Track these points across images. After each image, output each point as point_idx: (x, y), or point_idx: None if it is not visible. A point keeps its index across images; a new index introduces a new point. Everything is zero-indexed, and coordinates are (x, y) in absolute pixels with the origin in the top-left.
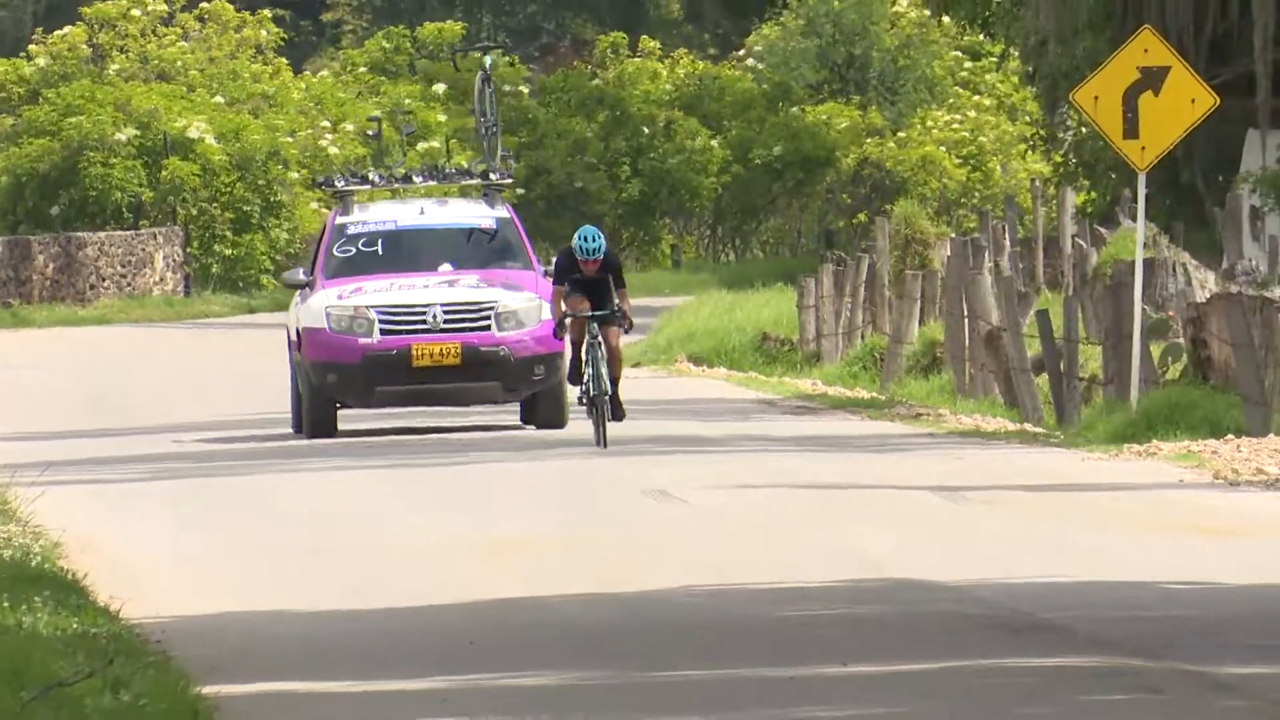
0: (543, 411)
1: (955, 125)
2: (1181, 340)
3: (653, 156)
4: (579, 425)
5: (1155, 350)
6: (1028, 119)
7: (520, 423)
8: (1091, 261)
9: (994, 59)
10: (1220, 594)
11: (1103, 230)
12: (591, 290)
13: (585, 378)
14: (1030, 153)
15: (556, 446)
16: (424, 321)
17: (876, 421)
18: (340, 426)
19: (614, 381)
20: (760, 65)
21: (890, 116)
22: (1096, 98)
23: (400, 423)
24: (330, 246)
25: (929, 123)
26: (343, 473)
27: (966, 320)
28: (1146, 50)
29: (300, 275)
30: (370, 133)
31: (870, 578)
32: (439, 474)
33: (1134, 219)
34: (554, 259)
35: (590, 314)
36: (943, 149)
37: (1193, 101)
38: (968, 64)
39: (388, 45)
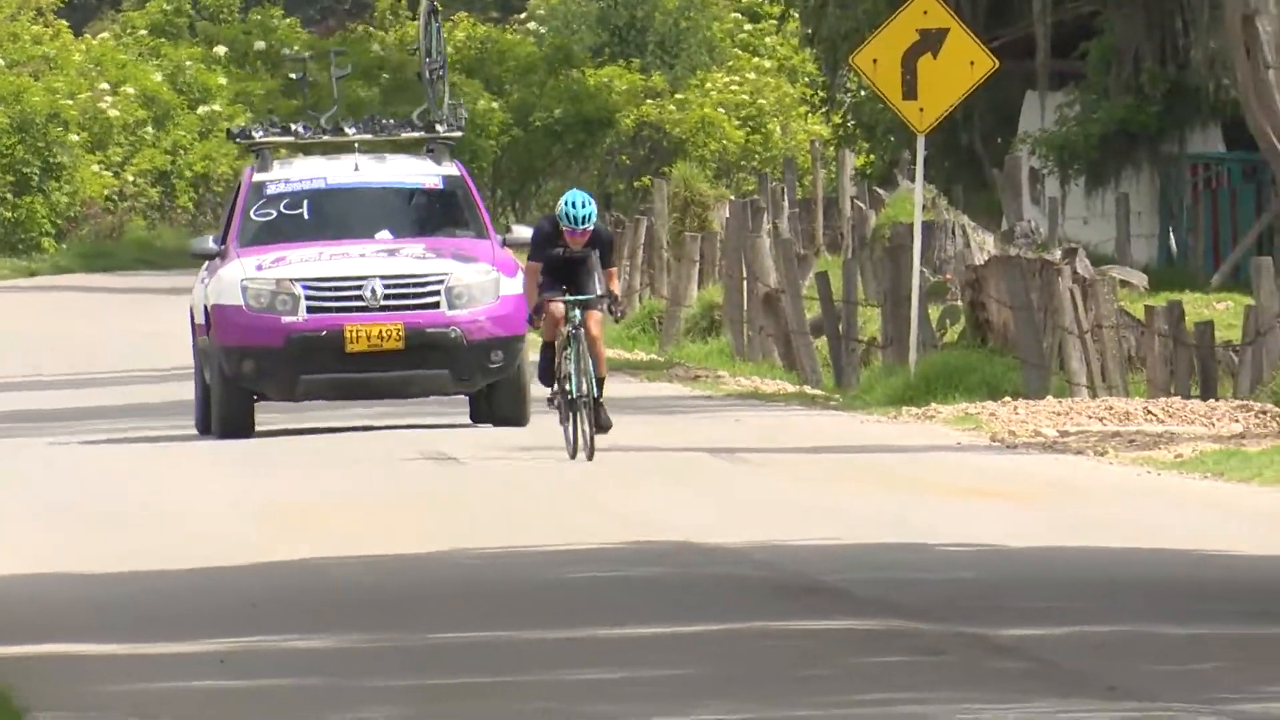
0: (500, 406)
1: (735, 87)
2: (960, 303)
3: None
4: (543, 422)
5: (934, 313)
6: (807, 81)
7: (470, 420)
8: (870, 224)
9: (774, 21)
10: (998, 556)
11: (882, 192)
12: (573, 269)
13: (561, 375)
14: (810, 115)
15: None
16: (359, 298)
17: (655, 383)
18: (258, 424)
19: (598, 382)
20: (541, 28)
21: (670, 79)
22: (875, 60)
23: (328, 420)
24: (246, 209)
25: (708, 85)
26: (146, 444)
27: (745, 282)
28: (926, 12)
29: (209, 243)
30: (295, 75)
31: (648, 540)
32: (245, 443)
33: (913, 181)
34: (532, 228)
35: (572, 298)
36: (722, 111)
37: (971, 63)
38: (747, 26)
39: (168, 7)
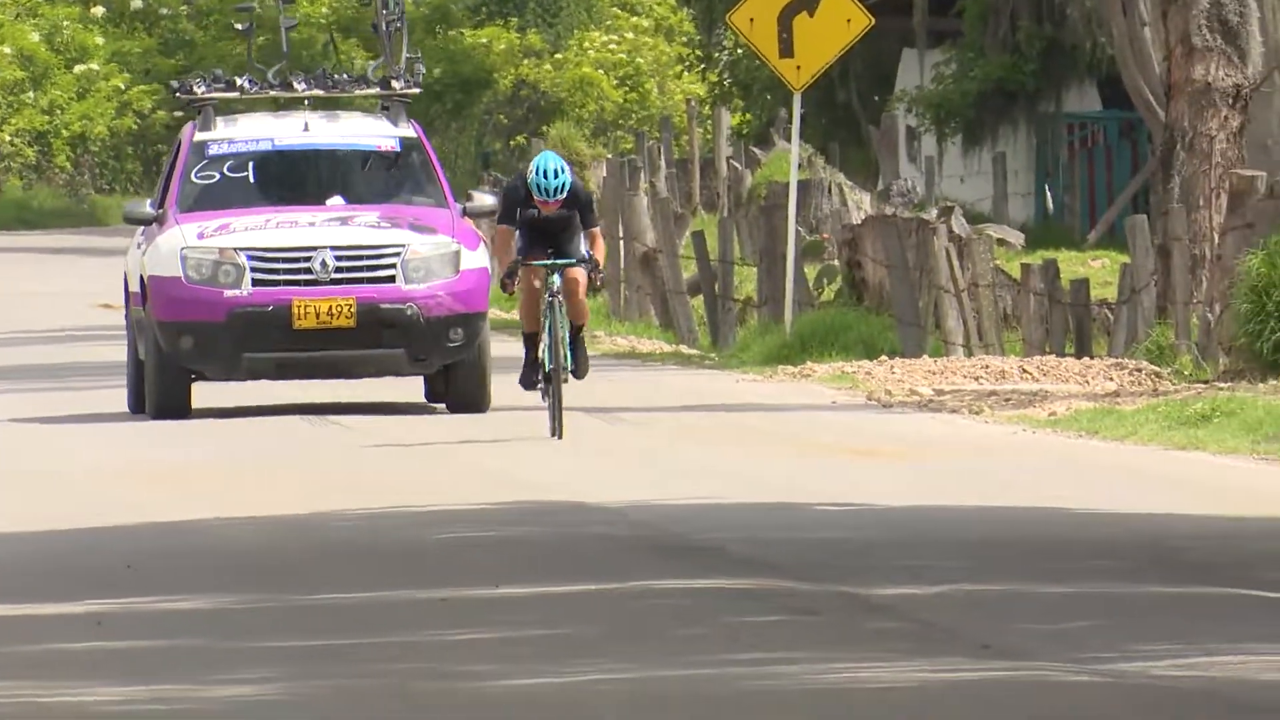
0: (459, 387)
1: (612, 47)
2: (836, 262)
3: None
4: (503, 405)
5: (810, 272)
6: (684, 40)
7: (426, 400)
8: (746, 183)
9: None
10: (873, 515)
11: (758, 151)
12: (551, 231)
13: (541, 348)
14: (686, 74)
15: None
16: (308, 270)
17: None
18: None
19: (576, 330)
20: None
21: (549, 38)
22: (752, 19)
23: (273, 398)
24: (186, 171)
25: (586, 45)
26: (40, 395)
27: (622, 242)
28: None
29: (146, 208)
30: (241, 26)
31: (524, 499)
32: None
33: (789, 140)
34: (502, 189)
35: (550, 262)
36: (600, 70)
37: (848, 21)
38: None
39: None
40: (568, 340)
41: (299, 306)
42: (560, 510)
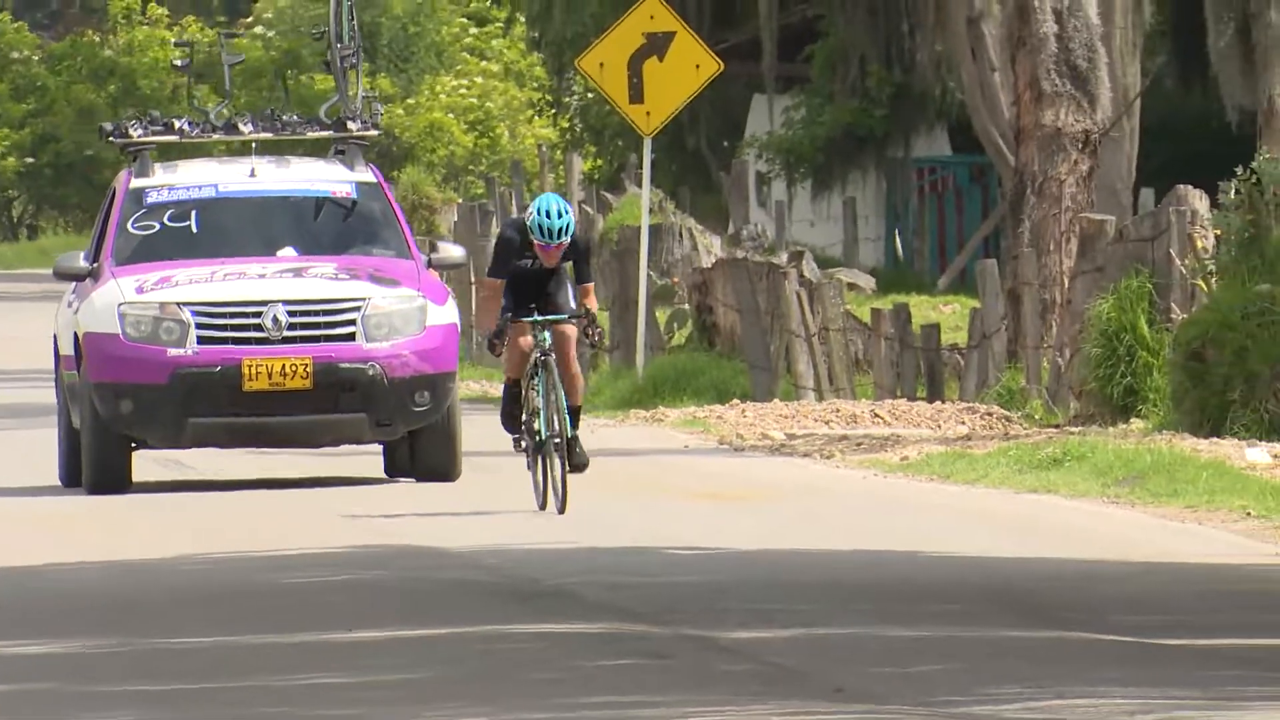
0: (425, 456)
1: (463, 91)
2: (687, 306)
3: None
4: (475, 476)
5: (661, 316)
6: (535, 85)
7: (385, 474)
8: (598, 228)
9: (500, 25)
10: (724, 558)
11: (609, 196)
12: (542, 283)
13: (527, 414)
14: (537, 118)
15: None
16: (259, 327)
17: None
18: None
19: (573, 414)
20: (270, 32)
21: (400, 83)
22: (602, 64)
23: (221, 470)
24: (123, 221)
25: (437, 89)
26: None
27: (474, 287)
28: (652, 16)
29: (80, 261)
30: (178, 62)
31: (377, 544)
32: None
33: (640, 185)
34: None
35: (539, 318)
36: (451, 115)
37: (697, 67)
38: (474, 30)
39: None
40: (564, 409)
41: (249, 366)
42: (414, 554)
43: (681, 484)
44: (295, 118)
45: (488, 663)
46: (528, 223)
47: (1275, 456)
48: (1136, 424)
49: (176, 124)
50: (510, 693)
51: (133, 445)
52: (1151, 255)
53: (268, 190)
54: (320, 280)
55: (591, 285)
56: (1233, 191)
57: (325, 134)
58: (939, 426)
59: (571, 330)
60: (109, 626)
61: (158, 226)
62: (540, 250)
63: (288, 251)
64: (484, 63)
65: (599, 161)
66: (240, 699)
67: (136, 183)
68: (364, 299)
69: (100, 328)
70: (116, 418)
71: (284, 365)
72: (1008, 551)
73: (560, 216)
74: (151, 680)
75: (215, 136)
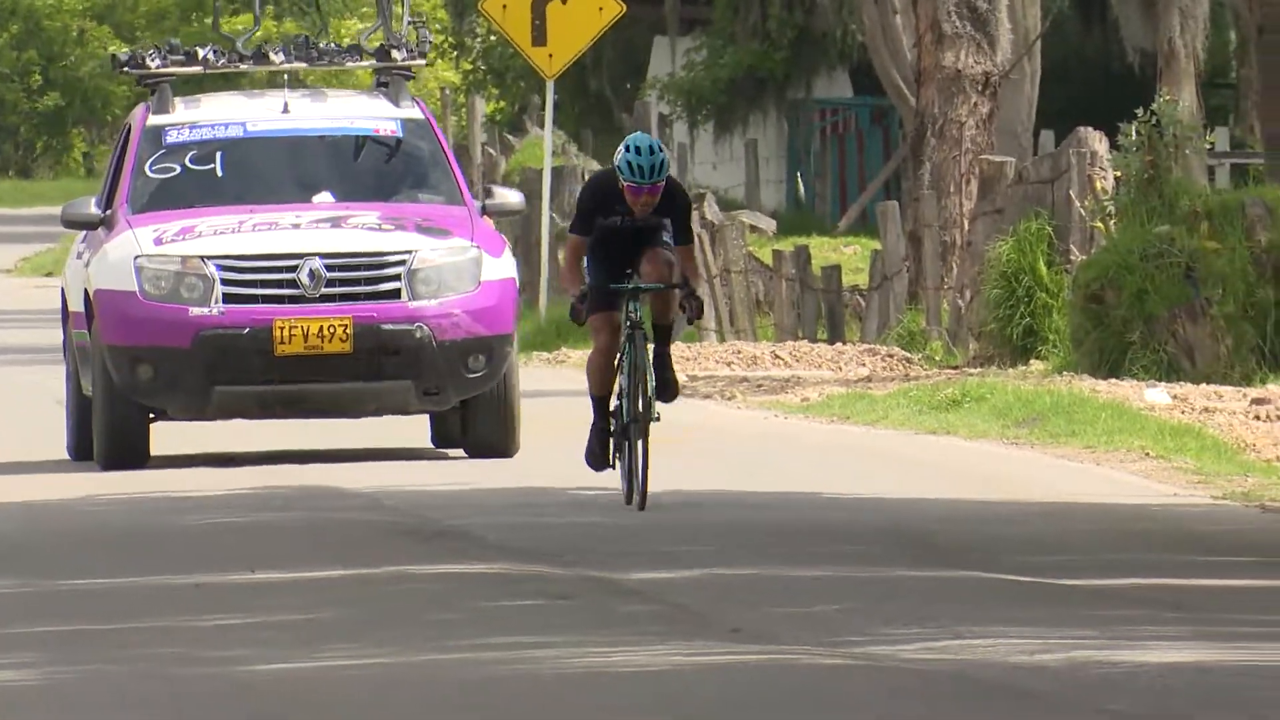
0: (479, 428)
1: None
2: None
3: (65, 65)
4: (539, 449)
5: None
6: (438, 27)
7: (433, 444)
8: (501, 169)
9: None
10: (623, 503)
11: (512, 138)
12: (632, 245)
13: (615, 395)
14: (440, 61)
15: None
16: (293, 283)
17: None
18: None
19: (662, 333)
20: None
21: (306, 26)
22: (505, 6)
23: (251, 443)
24: (139, 164)
25: (343, 33)
26: None
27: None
28: None
29: (91, 207)
30: None
31: (277, 485)
32: None
33: (542, 127)
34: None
35: (631, 286)
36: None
37: (600, 9)
38: None
39: None
40: (651, 388)
41: (282, 328)
42: (314, 495)
43: (582, 426)
44: (333, 46)
45: (388, 603)
46: (616, 163)
47: (1174, 397)
48: (1036, 365)
49: (200, 53)
50: (410, 633)
51: (151, 416)
52: (1051, 197)
53: (302, 129)
54: (361, 231)
55: (692, 247)
56: (1132, 133)
57: (366, 64)
58: (839, 368)
59: (671, 299)
60: (9, 568)
61: (178, 169)
62: (631, 195)
63: (324, 197)
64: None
65: (501, 104)
66: (144, 640)
67: (154, 120)
68: (410, 251)
69: (114, 284)
70: (133, 385)
71: (321, 326)
72: (907, 492)
73: (653, 153)
74: (55, 622)
75: (243, 67)
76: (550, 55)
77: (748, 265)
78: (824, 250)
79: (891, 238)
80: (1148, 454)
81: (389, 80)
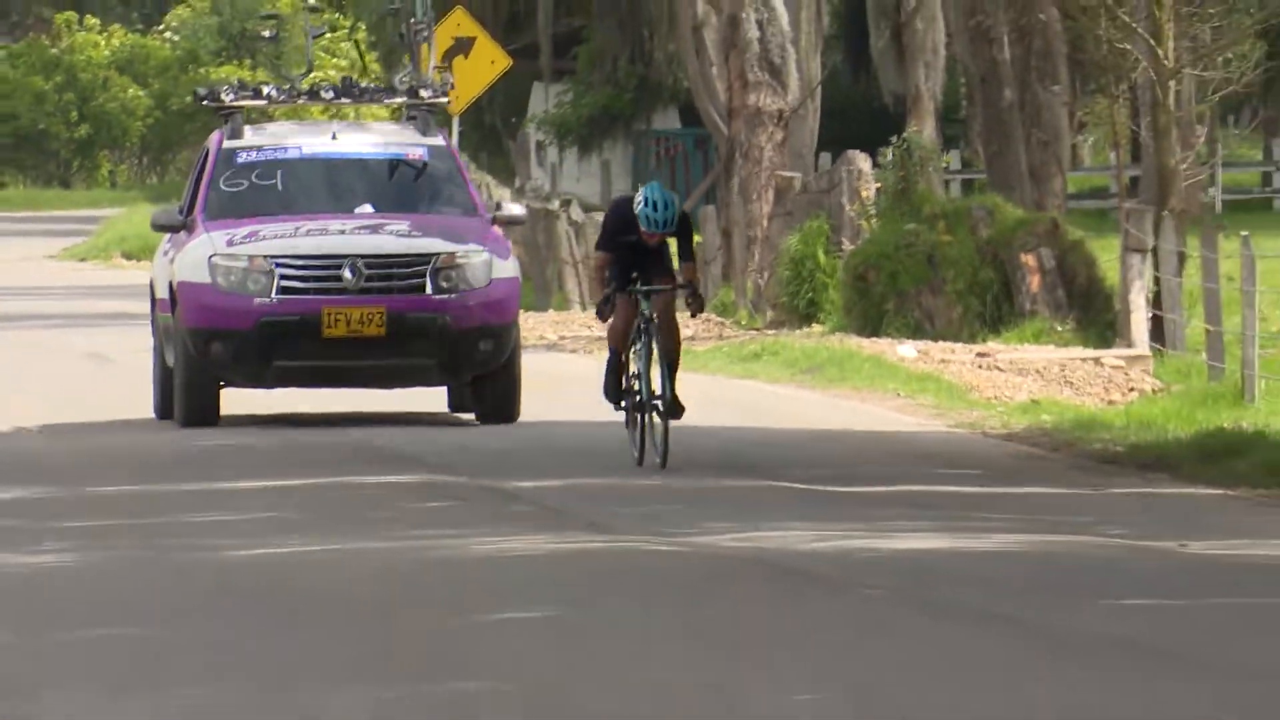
0: (487, 399)
1: (321, 79)
2: None
3: (95, 105)
4: (540, 416)
5: None
6: (374, 76)
7: (449, 410)
8: None
9: (346, 30)
10: (512, 430)
11: None
12: (646, 257)
13: (627, 377)
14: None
15: None
16: (338, 278)
17: None
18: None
19: (671, 367)
20: (175, 36)
21: (274, 77)
22: (425, 60)
23: (296, 405)
24: (215, 179)
25: (305, 81)
26: None
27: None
28: (459, 24)
29: (175, 215)
30: (267, 33)
31: (253, 414)
32: None
33: None
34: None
35: (645, 288)
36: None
37: (493, 62)
38: (328, 34)
39: None
40: (664, 372)
41: (329, 315)
42: (287, 424)
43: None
44: (373, 86)
45: (336, 506)
46: (635, 211)
47: (919, 352)
48: (816, 328)
49: (264, 90)
50: (353, 528)
51: (221, 384)
52: (828, 203)
53: (348, 153)
54: (394, 237)
55: (695, 261)
56: (889, 156)
57: (399, 101)
58: None
59: (671, 298)
60: (51, 478)
61: (245, 184)
62: (646, 236)
63: (365, 209)
64: (334, 59)
65: None
66: (154, 532)
67: (229, 144)
68: (434, 254)
69: (193, 277)
70: (207, 360)
71: (360, 314)
72: (723, 422)
73: (666, 208)
74: (89, 518)
75: (300, 102)
76: (457, 96)
77: None
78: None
79: (709, 234)
80: (899, 394)
81: (418, 114)
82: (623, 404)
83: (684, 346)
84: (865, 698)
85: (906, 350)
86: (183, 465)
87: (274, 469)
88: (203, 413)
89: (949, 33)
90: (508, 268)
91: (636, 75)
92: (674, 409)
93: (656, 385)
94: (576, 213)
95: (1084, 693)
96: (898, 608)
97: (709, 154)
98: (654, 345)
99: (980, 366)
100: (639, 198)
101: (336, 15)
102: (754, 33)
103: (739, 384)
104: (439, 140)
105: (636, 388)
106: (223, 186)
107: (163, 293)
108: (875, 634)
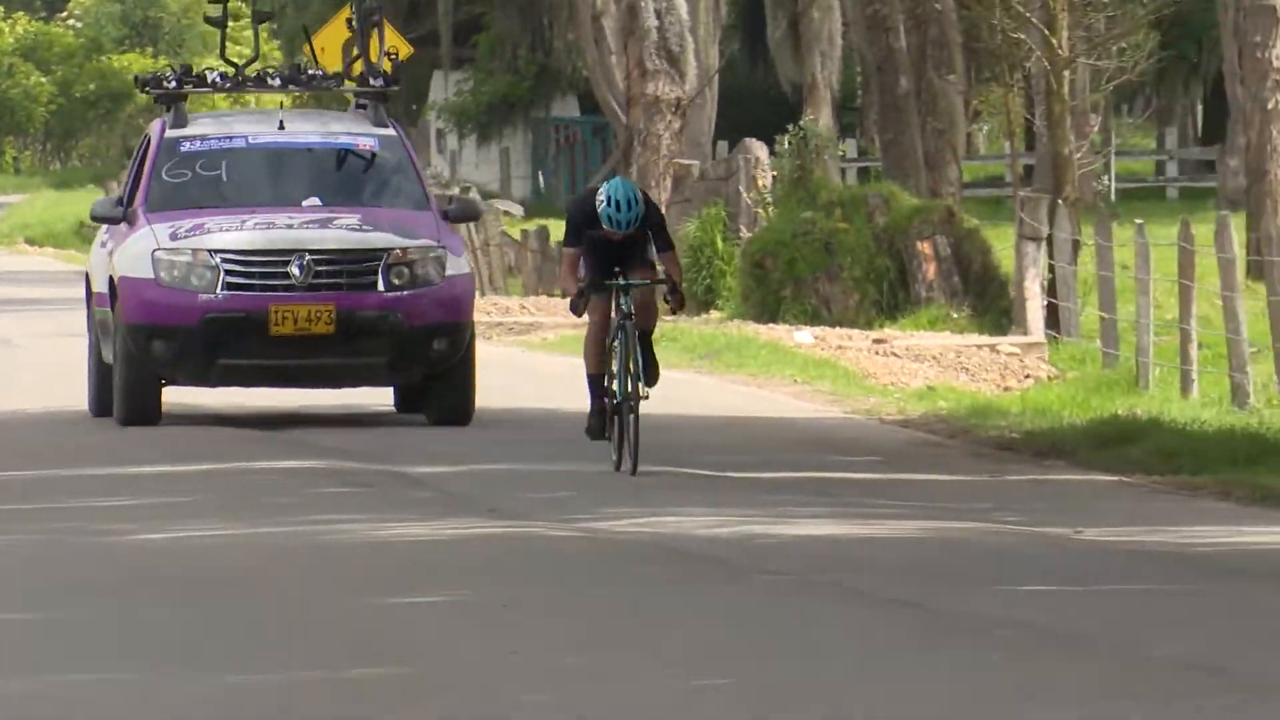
0: (440, 400)
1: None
2: None
3: None
4: (494, 418)
5: None
6: (272, 63)
7: (396, 409)
8: None
9: (248, 18)
10: (410, 416)
11: None
12: (624, 251)
13: (609, 379)
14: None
15: None
16: (286, 274)
17: None
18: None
19: (645, 335)
20: (79, 24)
21: (175, 63)
22: (323, 48)
23: (242, 402)
24: (157, 169)
25: (204, 66)
26: None
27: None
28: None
29: (115, 206)
30: (214, 17)
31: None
32: None
33: None
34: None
35: (623, 283)
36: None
37: (393, 50)
38: (230, 23)
39: None
40: (640, 361)
41: (276, 312)
42: (181, 410)
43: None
44: (320, 73)
45: (237, 491)
46: (598, 210)
47: (816, 338)
48: (715, 314)
49: (208, 76)
50: (252, 512)
51: (162, 382)
52: (726, 190)
53: (295, 141)
54: (345, 231)
55: (674, 252)
56: (785, 144)
57: (348, 89)
58: (569, 316)
59: (651, 292)
60: None
61: (189, 174)
62: (607, 235)
63: (312, 201)
64: (235, 47)
65: None
66: (57, 517)
67: (171, 133)
68: (386, 249)
69: (135, 272)
70: (148, 357)
71: (309, 311)
72: None
73: (630, 209)
74: None
75: (246, 89)
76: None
77: (502, 240)
78: (558, 229)
79: None
80: (796, 380)
81: (366, 103)
82: (603, 438)
83: (583, 333)
84: (761, 681)
85: (803, 336)
86: (85, 451)
87: (177, 455)
88: (143, 411)
89: (845, 22)
90: (461, 264)
91: (536, 63)
92: (651, 375)
93: (631, 386)
94: (476, 199)
95: (978, 675)
96: (796, 593)
97: (607, 141)
98: (632, 343)
99: (877, 353)
100: (601, 196)
101: (239, 3)
102: (652, 21)
103: None
104: (390, 131)
105: (614, 389)
106: (165, 177)
107: (100, 286)
108: (773, 619)
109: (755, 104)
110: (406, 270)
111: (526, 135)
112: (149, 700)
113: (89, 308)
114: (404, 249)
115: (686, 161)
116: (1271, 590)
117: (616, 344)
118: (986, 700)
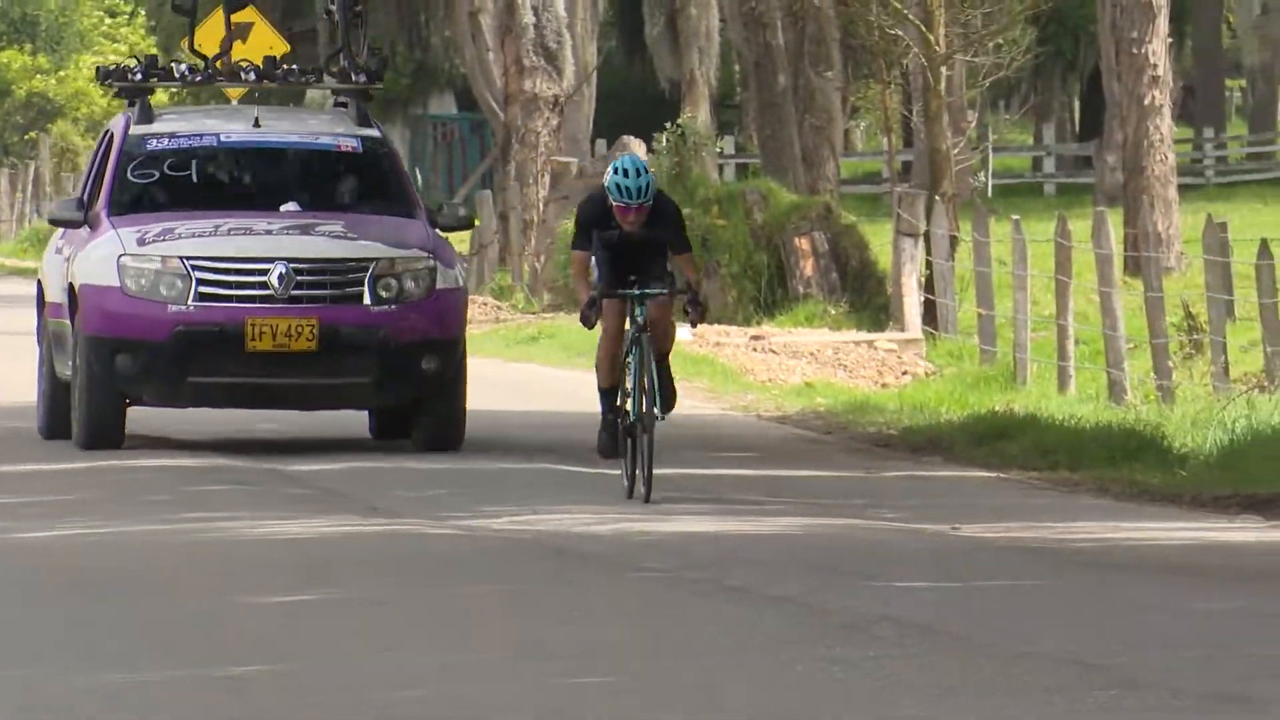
0: (428, 424)
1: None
2: None
3: None
4: (474, 449)
5: None
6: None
7: (371, 435)
8: None
9: (126, 16)
10: (298, 416)
11: None
12: (639, 254)
13: (619, 397)
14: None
15: None
16: (264, 285)
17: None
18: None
19: (661, 357)
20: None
21: (54, 60)
22: (201, 44)
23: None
24: (121, 169)
25: (80, 65)
26: None
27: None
28: (236, 10)
29: (74, 208)
30: (183, 5)
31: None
32: None
33: None
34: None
35: (637, 292)
36: (92, 84)
37: (271, 48)
38: (108, 20)
39: None
40: (656, 388)
41: (253, 326)
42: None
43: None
44: (296, 68)
45: (113, 487)
46: (605, 184)
47: (694, 335)
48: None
49: (175, 69)
50: (131, 510)
51: (127, 402)
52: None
53: (272, 141)
54: (328, 239)
55: (690, 254)
56: (664, 141)
57: (330, 85)
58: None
59: (668, 303)
60: None
61: (156, 175)
62: (620, 214)
63: (290, 206)
64: (114, 44)
65: None
66: None
67: (136, 129)
68: (372, 259)
69: (98, 280)
70: (112, 374)
71: (289, 325)
72: (500, 406)
73: (639, 175)
74: None
75: (217, 83)
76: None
77: None
78: None
79: (486, 217)
80: (675, 377)
81: (348, 101)
82: (616, 456)
83: (485, 331)
84: (635, 677)
85: (682, 333)
86: None
87: (53, 453)
88: (105, 434)
89: (723, 18)
90: (454, 276)
91: (413, 60)
92: (668, 400)
93: (646, 405)
94: None
95: (855, 671)
96: (672, 589)
97: (486, 138)
98: (647, 358)
99: (755, 350)
100: (609, 169)
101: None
102: (530, 18)
103: (516, 367)
104: (374, 131)
105: (627, 408)
106: (131, 178)
107: (56, 296)
108: (651, 615)
109: (634, 101)
110: (395, 282)
111: (404, 132)
112: (31, 693)
113: (40, 320)
114: (392, 259)
115: (565, 159)
116: (1147, 585)
117: (630, 359)
118: (863, 696)
